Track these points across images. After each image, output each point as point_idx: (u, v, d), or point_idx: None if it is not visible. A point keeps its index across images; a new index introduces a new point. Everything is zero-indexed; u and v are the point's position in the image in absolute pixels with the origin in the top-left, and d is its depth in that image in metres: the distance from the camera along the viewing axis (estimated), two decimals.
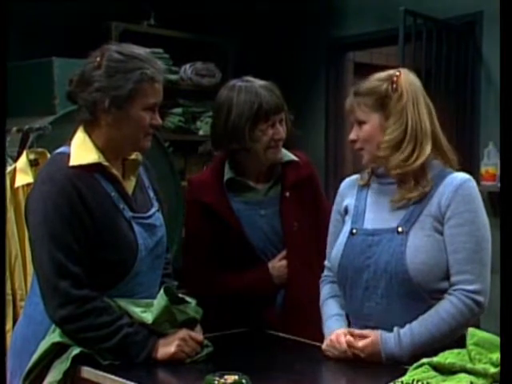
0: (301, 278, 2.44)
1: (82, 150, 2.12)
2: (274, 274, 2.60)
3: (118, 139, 2.15)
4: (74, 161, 2.10)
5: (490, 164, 4.35)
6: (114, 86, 2.08)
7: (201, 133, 4.97)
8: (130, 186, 2.22)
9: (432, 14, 4.43)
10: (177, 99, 4.98)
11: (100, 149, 2.14)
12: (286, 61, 5.38)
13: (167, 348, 2.09)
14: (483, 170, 4.40)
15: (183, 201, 3.40)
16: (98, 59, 2.11)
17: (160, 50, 4.73)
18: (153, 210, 2.27)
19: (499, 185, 4.27)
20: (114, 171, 2.15)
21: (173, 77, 4.84)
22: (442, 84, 4.43)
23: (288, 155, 2.69)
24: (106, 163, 2.13)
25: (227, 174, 2.64)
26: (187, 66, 4.95)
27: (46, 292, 2.07)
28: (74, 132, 2.18)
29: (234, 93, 2.57)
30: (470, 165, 4.57)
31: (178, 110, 4.94)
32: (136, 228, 2.16)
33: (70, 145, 2.15)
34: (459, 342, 2.04)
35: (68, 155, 2.12)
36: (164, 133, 4.57)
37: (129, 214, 2.16)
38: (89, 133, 2.15)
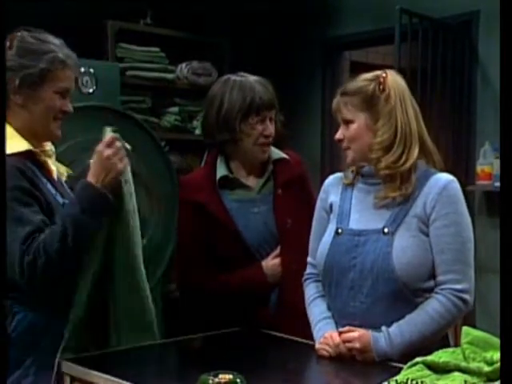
0: (295, 276, 2.44)
1: (9, 139, 2.08)
2: (267, 272, 2.61)
3: (28, 123, 2.14)
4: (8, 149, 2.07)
5: (486, 163, 4.35)
6: (26, 65, 2.09)
7: (197, 132, 4.96)
8: (54, 174, 2.24)
9: (428, 13, 4.43)
10: (173, 98, 4.97)
11: (23, 136, 2.13)
12: (283, 60, 5.37)
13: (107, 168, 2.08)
14: (479, 169, 4.39)
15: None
16: (9, 42, 2.11)
17: (156, 49, 4.73)
18: None
19: (495, 184, 4.27)
20: (44, 158, 2.17)
21: (169, 76, 4.83)
22: (438, 83, 4.43)
23: (279, 153, 2.69)
24: (36, 150, 2.14)
25: (220, 172, 2.64)
26: (183, 65, 4.93)
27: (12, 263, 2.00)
28: None
29: (227, 86, 2.59)
30: (465, 164, 4.59)
31: (175, 109, 4.93)
32: None
33: None
34: (443, 340, 2.11)
35: None
36: (160, 132, 4.57)
37: (61, 199, 2.17)
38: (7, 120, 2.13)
